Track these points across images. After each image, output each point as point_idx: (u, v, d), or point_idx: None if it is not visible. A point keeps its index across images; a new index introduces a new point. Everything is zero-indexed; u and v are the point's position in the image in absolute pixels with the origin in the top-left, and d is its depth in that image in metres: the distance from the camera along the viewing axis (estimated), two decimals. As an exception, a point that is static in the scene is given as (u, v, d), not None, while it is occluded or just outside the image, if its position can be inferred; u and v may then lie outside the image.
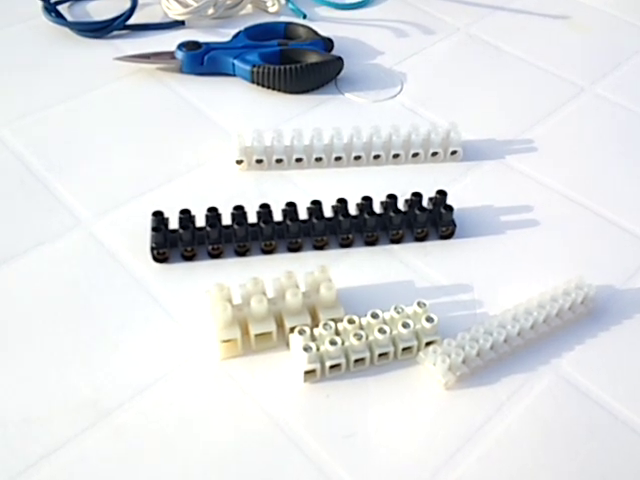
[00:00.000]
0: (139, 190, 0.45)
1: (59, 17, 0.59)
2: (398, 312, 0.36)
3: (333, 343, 0.34)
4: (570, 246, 0.43)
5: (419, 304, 0.36)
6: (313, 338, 0.35)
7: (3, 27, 0.59)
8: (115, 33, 0.58)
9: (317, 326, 0.35)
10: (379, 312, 0.36)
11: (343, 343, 0.35)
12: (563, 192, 0.46)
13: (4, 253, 0.41)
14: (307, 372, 0.34)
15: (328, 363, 0.34)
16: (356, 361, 0.35)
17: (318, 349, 0.34)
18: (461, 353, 0.35)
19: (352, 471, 0.32)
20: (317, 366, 0.34)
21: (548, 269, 0.41)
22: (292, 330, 0.35)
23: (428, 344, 0.36)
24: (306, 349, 0.34)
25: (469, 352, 0.35)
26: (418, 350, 0.36)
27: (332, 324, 0.35)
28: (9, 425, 0.33)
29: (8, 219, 0.43)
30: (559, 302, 0.37)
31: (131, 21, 0.59)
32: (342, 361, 0.35)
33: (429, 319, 0.36)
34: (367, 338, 0.35)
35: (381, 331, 0.35)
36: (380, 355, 0.35)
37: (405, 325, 0.35)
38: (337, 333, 0.35)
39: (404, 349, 0.36)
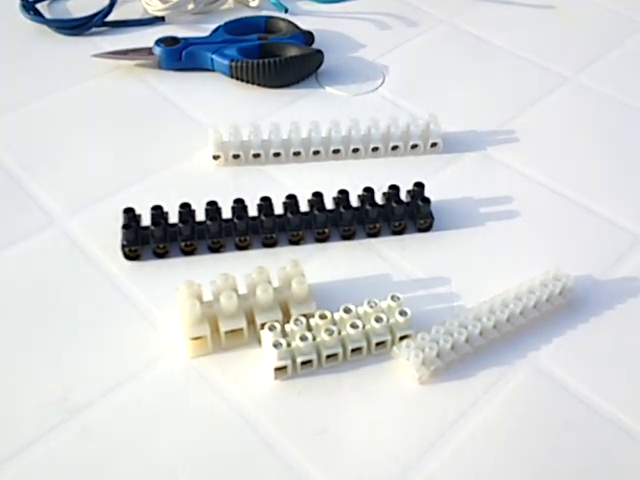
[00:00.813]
0: (114, 187, 0.45)
1: (37, 15, 0.58)
2: (371, 306, 0.36)
3: (304, 339, 0.34)
4: (550, 237, 0.42)
5: (393, 298, 0.36)
6: (284, 334, 0.34)
7: (-19, 26, 0.59)
8: (94, 30, 0.58)
9: (288, 322, 0.35)
10: (352, 307, 0.35)
11: (314, 339, 0.34)
12: (544, 183, 0.46)
13: (-25, 252, 0.40)
14: (278, 369, 0.34)
15: (299, 359, 0.34)
16: (328, 357, 0.34)
17: (289, 345, 0.34)
18: (435, 347, 0.34)
19: (324, 468, 0.32)
20: (288, 363, 0.34)
21: (528, 260, 0.40)
22: (263, 326, 0.35)
23: (402, 338, 0.35)
24: (276, 345, 0.33)
25: (443, 346, 0.34)
26: (392, 344, 0.35)
27: (303, 320, 0.35)
28: (-26, 426, 0.33)
29: (-20, 218, 0.42)
30: (536, 294, 0.36)
31: (110, 18, 0.58)
32: (313, 357, 0.34)
33: (403, 313, 0.35)
34: (339, 333, 0.34)
35: (354, 326, 0.34)
36: (353, 350, 0.35)
37: (378, 319, 0.35)
38: (309, 329, 0.35)
39: (377, 344, 0.35)
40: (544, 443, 0.33)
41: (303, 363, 0.34)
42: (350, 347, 0.34)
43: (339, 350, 0.34)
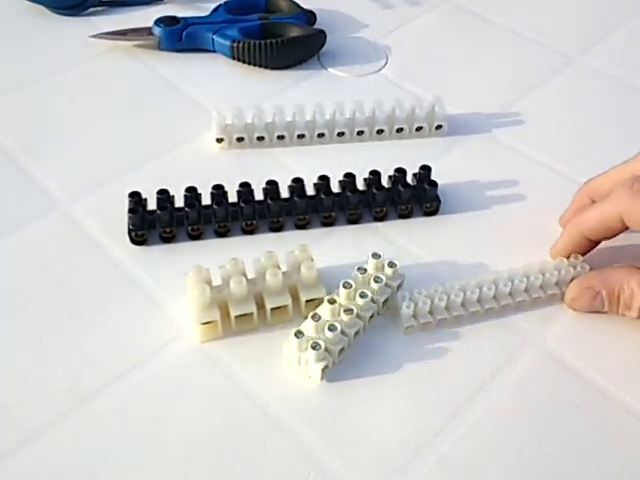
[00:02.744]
0: (117, 171, 0.44)
1: (33, -6, 0.57)
2: (361, 273, 0.36)
3: (332, 329, 0.33)
4: (557, 220, 0.42)
5: (374, 256, 0.37)
6: (314, 331, 0.34)
7: (-25, 5, 0.57)
8: (91, 10, 0.57)
9: (306, 318, 0.34)
10: (349, 281, 0.35)
11: (342, 331, 0.34)
12: (551, 165, 0.46)
13: (-21, 238, 0.40)
14: (323, 369, 0.33)
15: (335, 351, 0.34)
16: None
17: (327, 350, 0.33)
18: (427, 302, 0.35)
19: (334, 451, 0.32)
20: (329, 360, 0.33)
21: (534, 244, 0.40)
22: (273, 310, 0.35)
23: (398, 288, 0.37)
24: (314, 347, 0.33)
25: (438, 304, 0.36)
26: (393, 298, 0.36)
27: (319, 313, 0.34)
28: (-15, 412, 0.33)
29: (-18, 203, 0.42)
30: (546, 275, 0.37)
31: (107, -3, 0.57)
32: (345, 343, 0.34)
33: (390, 264, 0.36)
34: (352, 311, 0.34)
35: (362, 295, 0.35)
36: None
37: (377, 280, 0.36)
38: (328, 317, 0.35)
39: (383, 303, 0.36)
40: (552, 425, 0.33)
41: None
42: (367, 316, 0.35)
43: (360, 324, 0.35)
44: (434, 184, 0.41)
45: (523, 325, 0.37)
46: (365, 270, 0.36)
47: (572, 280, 0.37)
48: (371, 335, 0.36)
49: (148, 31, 0.53)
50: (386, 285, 0.36)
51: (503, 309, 0.37)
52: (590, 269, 0.37)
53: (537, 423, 0.33)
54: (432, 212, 0.42)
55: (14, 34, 0.55)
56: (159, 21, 0.53)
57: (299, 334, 0.33)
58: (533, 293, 0.37)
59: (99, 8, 0.57)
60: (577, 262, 0.38)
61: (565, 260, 0.38)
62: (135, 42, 0.54)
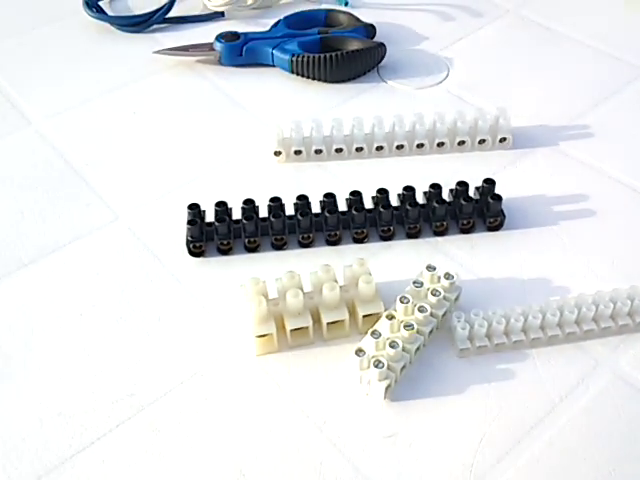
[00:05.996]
0: (177, 183, 0.45)
1: (100, 12, 0.59)
2: (417, 286, 0.35)
3: (393, 346, 0.32)
4: (630, 238, 0.40)
5: (428, 268, 0.36)
6: (376, 349, 0.33)
7: (45, 23, 0.59)
8: (155, 27, 0.58)
9: (366, 333, 0.33)
10: (407, 295, 0.34)
11: (402, 347, 0.33)
12: (622, 180, 0.43)
13: (43, 247, 0.41)
14: (387, 387, 0.32)
15: (398, 368, 0.33)
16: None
17: (389, 368, 0.32)
18: (484, 324, 0.33)
19: (393, 473, 0.31)
20: (392, 378, 0.32)
21: (605, 263, 0.38)
22: (329, 325, 0.34)
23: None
24: (377, 365, 0.32)
25: (496, 327, 0.34)
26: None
27: (378, 330, 0.33)
28: (45, 419, 0.33)
29: (47, 213, 0.43)
30: (617, 304, 0.34)
31: (171, 14, 0.58)
32: (406, 360, 0.33)
33: (447, 276, 0.35)
34: (412, 327, 0.33)
35: (421, 310, 0.34)
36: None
37: (434, 293, 0.34)
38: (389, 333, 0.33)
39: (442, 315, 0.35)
40: (625, 452, 0.31)
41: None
42: (427, 331, 0.34)
43: (421, 340, 0.34)
44: (498, 198, 0.40)
45: (594, 348, 0.35)
46: (421, 284, 0.35)
47: None
48: (430, 351, 0.35)
49: (209, 47, 0.54)
50: (444, 298, 0.35)
51: (568, 337, 0.35)
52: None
53: (609, 449, 0.31)
54: (496, 227, 0.40)
55: (80, 50, 0.56)
56: (220, 37, 0.54)
57: (360, 352, 0.32)
58: (602, 323, 0.35)
59: (162, 25, 0.59)
60: None
61: (639, 288, 0.35)
62: (197, 57, 0.54)
